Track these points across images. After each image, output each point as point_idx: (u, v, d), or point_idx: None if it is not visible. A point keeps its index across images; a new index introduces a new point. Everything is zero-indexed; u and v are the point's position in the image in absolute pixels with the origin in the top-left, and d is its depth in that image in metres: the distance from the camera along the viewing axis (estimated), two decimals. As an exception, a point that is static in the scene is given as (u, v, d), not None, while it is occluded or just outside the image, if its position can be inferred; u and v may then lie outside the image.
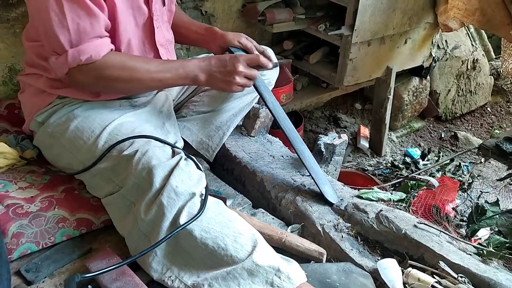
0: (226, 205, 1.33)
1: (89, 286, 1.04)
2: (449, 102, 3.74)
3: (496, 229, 1.74)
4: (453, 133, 3.62)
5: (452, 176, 2.73)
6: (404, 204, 1.69)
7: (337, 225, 1.51)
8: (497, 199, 1.95)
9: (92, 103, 1.47)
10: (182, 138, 1.64)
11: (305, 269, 1.25)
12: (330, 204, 1.59)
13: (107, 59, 1.33)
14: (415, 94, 3.46)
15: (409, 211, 1.63)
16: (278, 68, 1.85)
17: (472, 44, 3.77)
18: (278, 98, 2.63)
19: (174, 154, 1.33)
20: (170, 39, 1.61)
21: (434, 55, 3.33)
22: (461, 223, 2.09)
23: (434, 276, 1.31)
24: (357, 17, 2.55)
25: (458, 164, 2.95)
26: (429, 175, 2.67)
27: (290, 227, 1.54)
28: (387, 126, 3.18)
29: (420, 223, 1.46)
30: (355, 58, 2.75)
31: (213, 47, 1.67)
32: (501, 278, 1.26)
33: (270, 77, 1.82)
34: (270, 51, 1.73)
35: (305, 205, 1.58)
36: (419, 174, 2.53)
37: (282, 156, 1.88)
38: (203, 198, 1.25)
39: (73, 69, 1.32)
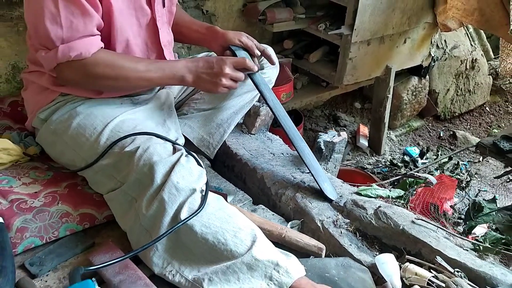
0: (227, 201, 1.35)
1: (92, 278, 1.06)
2: (448, 101, 3.75)
3: (494, 227, 1.76)
4: (451, 132, 3.64)
5: (450, 174, 2.75)
6: (402, 201, 1.71)
7: (336, 221, 1.53)
8: (494, 196, 1.96)
9: (94, 101, 1.49)
10: (183, 135, 1.66)
11: (304, 264, 1.27)
12: (329, 200, 1.61)
13: (96, 56, 1.35)
14: (414, 94, 3.47)
15: (407, 208, 1.65)
16: (278, 66, 1.87)
17: (471, 44, 3.78)
18: (278, 97, 2.65)
19: (175, 150, 1.34)
20: (170, 40, 1.63)
21: (433, 55, 3.34)
22: (459, 220, 2.10)
23: (431, 270, 1.33)
24: (356, 16, 2.57)
25: (456, 162, 2.97)
26: (428, 174, 2.69)
27: (290, 223, 1.56)
28: (386, 125, 3.19)
29: (418, 219, 1.48)
30: (355, 58, 2.76)
31: (214, 46, 1.69)
32: (497, 272, 1.28)
33: (270, 75, 1.84)
34: (270, 50, 1.75)
35: (305, 202, 1.60)
36: (417, 172, 2.55)
37: (282, 154, 1.90)
38: (203, 194, 1.26)
39: (62, 64, 1.34)
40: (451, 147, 3.50)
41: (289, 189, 1.67)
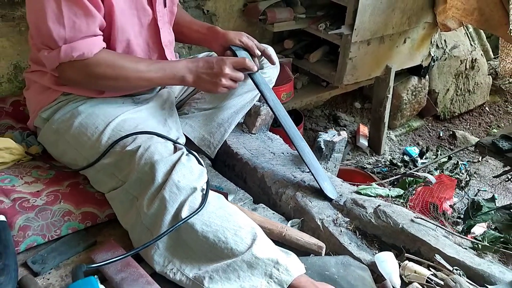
0: (227, 200, 1.36)
1: (95, 276, 1.07)
2: (448, 101, 3.76)
3: (493, 226, 1.77)
4: (451, 132, 3.64)
5: (450, 174, 2.75)
6: (401, 200, 1.72)
7: (336, 219, 1.54)
8: (493, 195, 1.97)
9: (96, 100, 1.50)
10: (184, 134, 1.67)
11: (304, 262, 1.27)
12: (329, 199, 1.62)
13: (98, 57, 1.36)
14: (414, 93, 3.48)
15: (406, 206, 1.66)
16: (278, 66, 1.87)
17: (471, 44, 3.78)
18: (279, 97, 2.65)
19: (176, 149, 1.35)
20: (171, 40, 1.64)
21: (433, 55, 3.35)
22: (458, 220, 2.11)
23: (430, 268, 1.34)
24: (357, 16, 2.57)
25: (455, 162, 2.98)
26: (427, 173, 2.70)
27: (290, 221, 1.57)
28: (386, 125, 3.20)
29: (417, 218, 1.49)
30: (355, 57, 2.77)
31: (215, 46, 1.70)
32: (495, 270, 1.30)
33: (270, 75, 1.84)
34: (271, 49, 1.76)
35: (305, 201, 1.61)
36: (417, 171, 2.56)
37: (283, 153, 1.91)
38: (204, 192, 1.27)
39: (64, 64, 1.35)
40: (451, 147, 3.51)
41: (289, 188, 1.68)
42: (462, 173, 2.87)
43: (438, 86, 3.64)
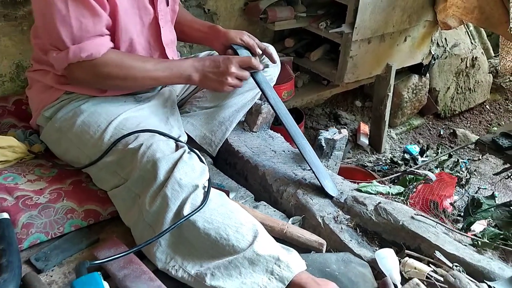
0: (229, 198, 1.37)
1: (98, 272, 1.08)
2: (448, 99, 3.77)
3: (493, 224, 1.78)
4: (452, 131, 3.65)
5: (450, 172, 2.76)
6: (402, 198, 1.72)
7: (337, 217, 1.55)
8: (493, 192, 1.98)
9: (98, 99, 1.51)
10: (186, 133, 1.68)
11: (305, 259, 1.28)
12: (330, 197, 1.63)
13: (106, 57, 1.38)
14: (414, 92, 3.49)
15: (407, 204, 1.67)
16: (279, 65, 1.88)
17: (472, 42, 3.79)
18: (280, 95, 2.66)
19: (177, 147, 1.36)
20: (173, 39, 1.65)
21: (433, 53, 3.35)
22: (458, 218, 2.12)
23: (430, 265, 1.35)
24: (357, 15, 2.58)
25: (456, 160, 2.98)
26: (428, 171, 2.70)
27: (291, 219, 1.58)
28: (387, 123, 3.21)
29: (417, 215, 1.50)
30: (356, 56, 2.78)
31: (216, 45, 1.71)
32: (494, 267, 1.31)
33: (271, 74, 1.85)
34: (271, 48, 1.77)
35: (306, 198, 1.62)
36: (417, 169, 2.56)
37: (284, 151, 1.92)
38: (206, 190, 1.28)
39: (72, 65, 1.36)
40: (451, 145, 3.52)
41: (290, 186, 1.69)
42: (463, 171, 2.88)
43: (439, 84, 3.65)
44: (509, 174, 2.62)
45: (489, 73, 3.95)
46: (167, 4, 1.55)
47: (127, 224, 1.35)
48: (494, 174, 2.78)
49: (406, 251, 1.41)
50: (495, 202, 1.85)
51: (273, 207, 1.65)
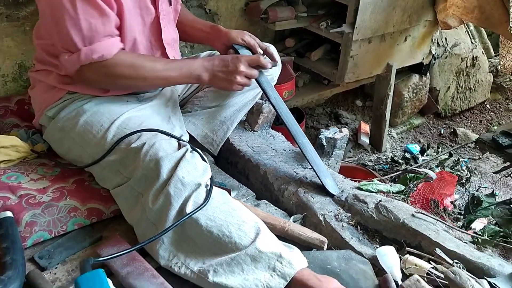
0: (230, 196, 1.38)
1: (102, 269, 1.09)
2: (449, 99, 3.77)
3: (494, 222, 1.78)
4: (452, 130, 3.66)
5: (451, 171, 2.77)
6: (402, 196, 1.73)
7: (338, 215, 1.56)
8: (493, 190, 1.98)
9: (101, 98, 1.52)
10: (188, 132, 1.69)
11: (307, 256, 1.29)
12: (331, 195, 1.64)
13: (117, 57, 1.39)
14: (415, 91, 3.49)
15: (407, 202, 1.68)
16: (280, 65, 1.89)
17: (472, 42, 3.79)
18: (281, 95, 2.65)
19: (180, 146, 1.37)
20: (175, 38, 1.66)
21: (433, 53, 3.36)
22: (459, 216, 2.13)
23: (431, 262, 1.36)
24: (358, 15, 2.59)
25: (456, 159, 2.99)
26: (428, 170, 2.71)
27: (292, 217, 1.58)
28: (387, 122, 3.21)
29: (418, 213, 1.51)
30: (356, 55, 2.79)
31: (217, 44, 1.72)
32: (494, 264, 1.31)
33: (272, 73, 1.86)
34: (272, 48, 1.78)
35: (307, 196, 1.63)
36: (418, 168, 2.57)
37: (285, 150, 1.93)
38: (208, 188, 1.29)
39: (83, 66, 1.37)
40: (452, 144, 3.52)
41: (291, 184, 1.70)
42: (463, 170, 2.89)
43: (439, 83, 3.65)
44: (509, 173, 2.63)
45: (489, 72, 3.96)
46: (170, 4, 1.56)
47: (130, 222, 1.36)
48: (494, 173, 2.79)
49: (407, 248, 1.42)
50: (495, 200, 1.86)
51: (274, 205, 1.66)
